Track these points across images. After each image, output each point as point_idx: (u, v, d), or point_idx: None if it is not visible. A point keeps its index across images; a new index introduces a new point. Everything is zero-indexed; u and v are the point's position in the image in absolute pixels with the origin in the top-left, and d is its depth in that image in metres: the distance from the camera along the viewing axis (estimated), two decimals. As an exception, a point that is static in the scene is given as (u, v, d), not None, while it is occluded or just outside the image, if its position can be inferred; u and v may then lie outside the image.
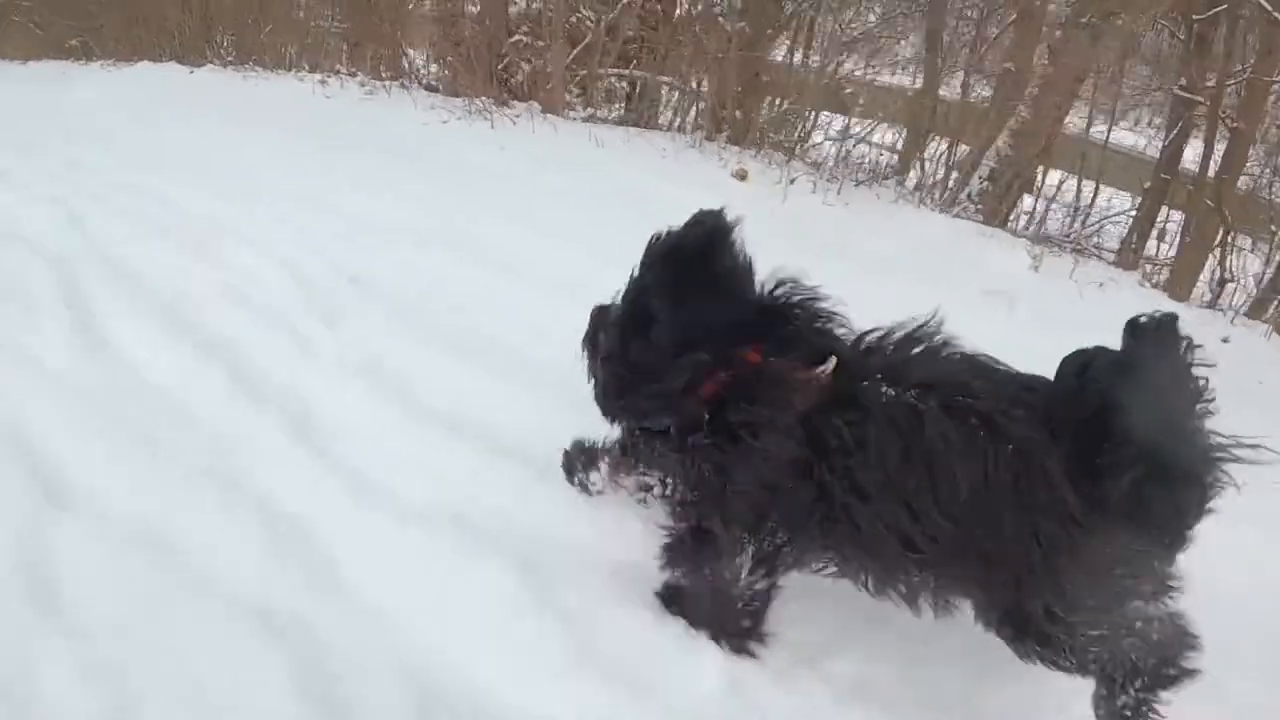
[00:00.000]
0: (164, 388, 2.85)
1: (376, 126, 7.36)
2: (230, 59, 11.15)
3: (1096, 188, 8.99)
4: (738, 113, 8.65)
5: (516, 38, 9.68)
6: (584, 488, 2.24)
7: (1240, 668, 1.83)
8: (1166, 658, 1.52)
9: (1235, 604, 1.89)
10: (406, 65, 10.35)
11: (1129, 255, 7.52)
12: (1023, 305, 4.56)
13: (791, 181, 6.79)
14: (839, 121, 8.78)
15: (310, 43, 11.32)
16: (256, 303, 3.64)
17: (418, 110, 7.91)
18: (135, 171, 5.83)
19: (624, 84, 10.02)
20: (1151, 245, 8.40)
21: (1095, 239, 7.63)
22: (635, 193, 6.12)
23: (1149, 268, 7.27)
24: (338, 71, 10.00)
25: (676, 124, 9.07)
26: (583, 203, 5.74)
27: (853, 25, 10.07)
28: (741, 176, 7.26)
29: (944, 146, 8.47)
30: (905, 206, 6.67)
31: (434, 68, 10.15)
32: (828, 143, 8.52)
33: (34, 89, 10.63)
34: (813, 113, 8.94)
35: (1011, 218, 7.50)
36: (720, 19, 8.81)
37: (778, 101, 9.27)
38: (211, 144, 6.64)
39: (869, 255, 5.12)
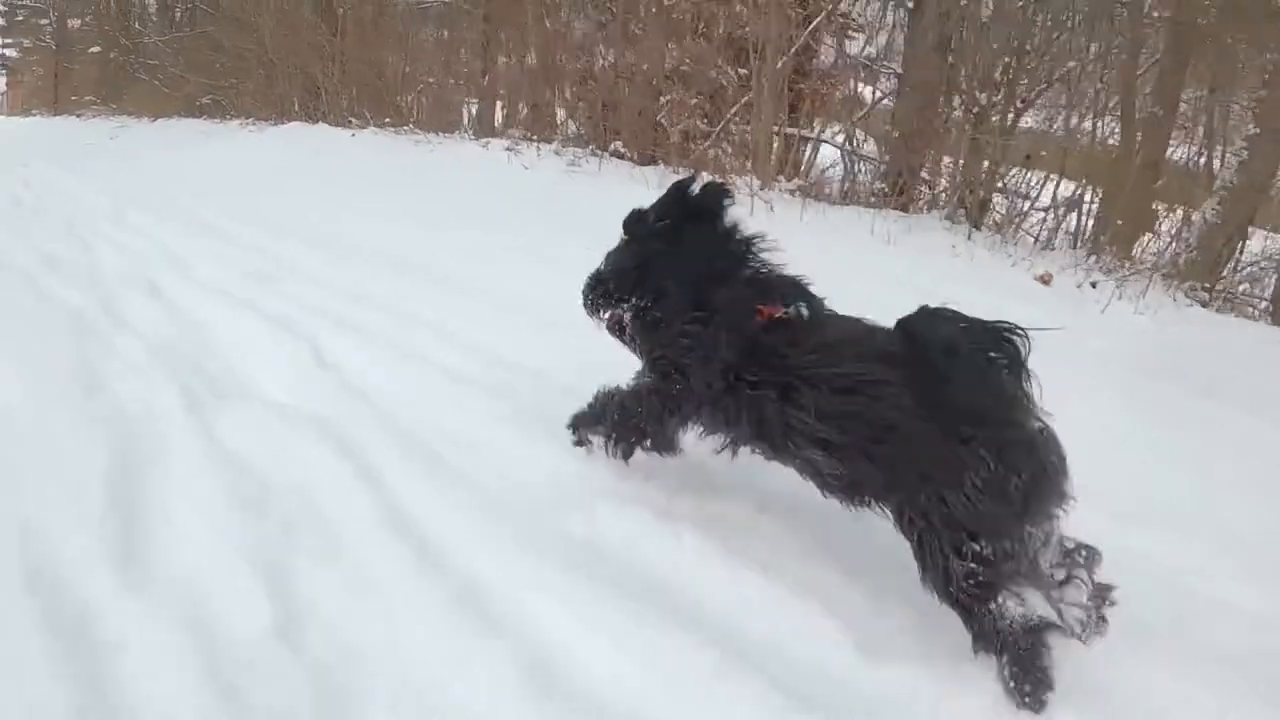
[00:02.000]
0: None
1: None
2: (388, 121, 10.02)
3: (1246, 231, 7.36)
4: (980, 194, 7.18)
5: (670, 96, 8.44)
6: None
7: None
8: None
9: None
10: (577, 128, 9.11)
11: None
12: None
13: (1093, 285, 5.68)
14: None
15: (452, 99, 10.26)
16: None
17: (649, 190, 6.46)
18: (359, 274, 4.39)
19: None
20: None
21: (1244, 286, 6.92)
22: (951, 303, 4.67)
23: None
24: (514, 135, 8.72)
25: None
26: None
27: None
28: (1046, 281, 6.05)
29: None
30: (1202, 310, 5.62)
31: (573, 125, 8.89)
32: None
33: (179, 152, 9.60)
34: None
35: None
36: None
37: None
38: (427, 229, 5.24)
39: (1208, 382, 3.84)
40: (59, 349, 3.14)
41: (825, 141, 8.57)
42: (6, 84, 33.24)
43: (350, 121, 10.57)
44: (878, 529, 1.82)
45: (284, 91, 11.50)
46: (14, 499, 2.01)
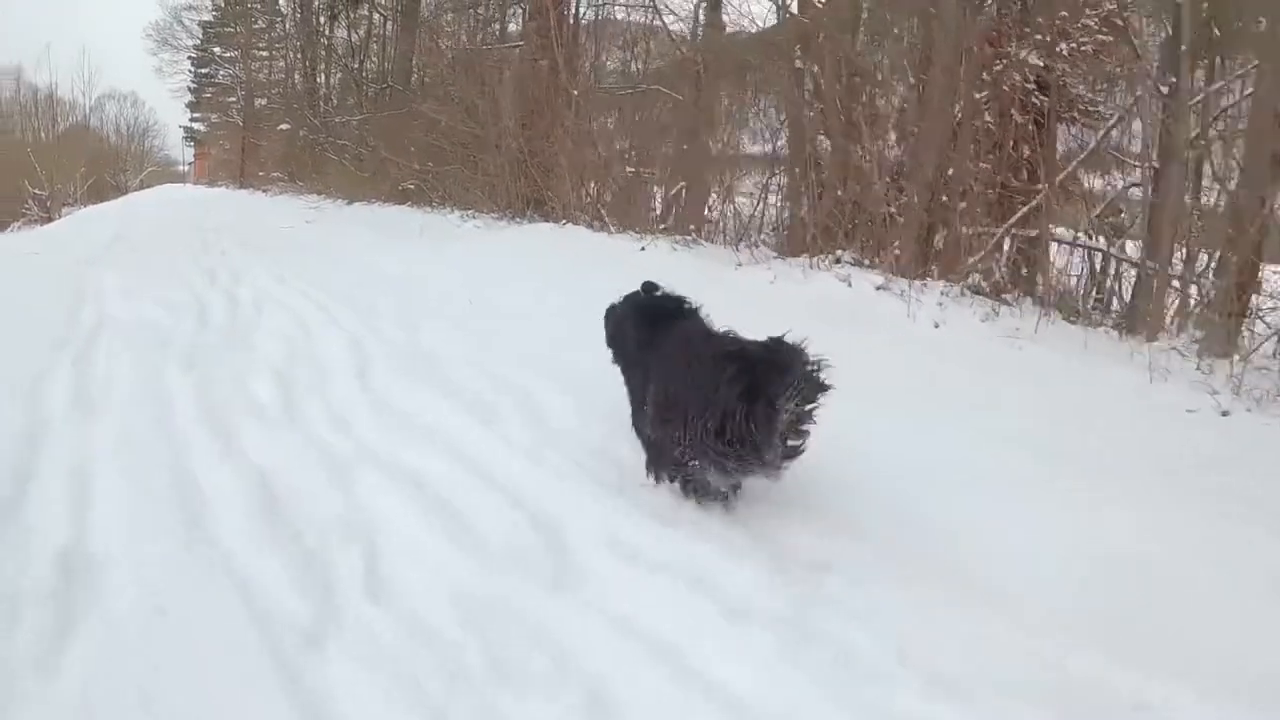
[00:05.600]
0: None
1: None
2: (663, 227, 7.81)
3: None
4: None
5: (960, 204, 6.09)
6: None
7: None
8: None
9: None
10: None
11: None
12: None
13: None
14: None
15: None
16: None
17: (1147, 378, 3.78)
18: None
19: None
20: None
21: None
22: None
23: None
24: (843, 259, 6.24)
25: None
26: None
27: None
28: None
29: None
30: None
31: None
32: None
33: (402, 251, 7.64)
34: None
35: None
36: None
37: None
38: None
39: None
40: None
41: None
42: (194, 155, 34.62)
43: (580, 219, 8.54)
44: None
45: (520, 186, 9.54)
46: None
